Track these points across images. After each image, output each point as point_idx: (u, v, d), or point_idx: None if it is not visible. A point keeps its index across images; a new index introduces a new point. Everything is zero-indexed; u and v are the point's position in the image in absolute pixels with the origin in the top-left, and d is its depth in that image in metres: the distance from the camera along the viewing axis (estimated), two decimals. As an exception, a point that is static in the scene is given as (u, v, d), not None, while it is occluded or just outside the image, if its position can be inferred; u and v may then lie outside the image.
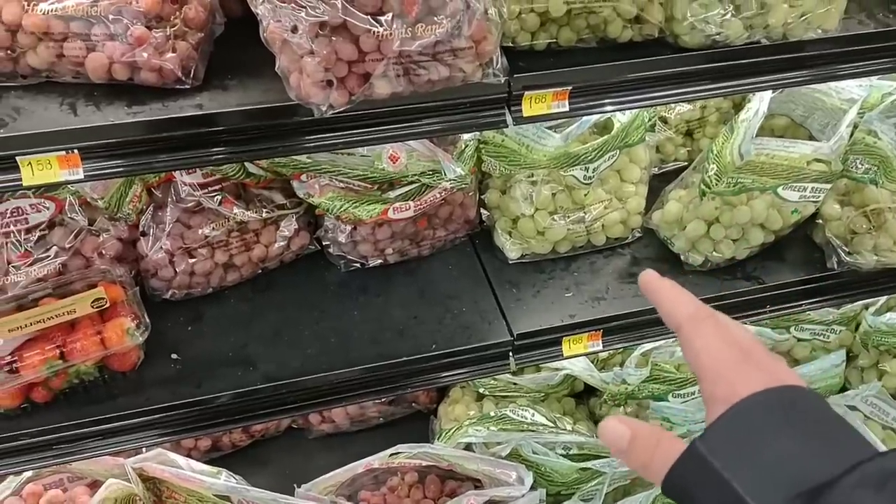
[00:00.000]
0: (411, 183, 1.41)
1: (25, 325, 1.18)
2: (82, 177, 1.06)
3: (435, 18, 1.03)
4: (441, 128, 1.19)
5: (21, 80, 1.10)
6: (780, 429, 0.52)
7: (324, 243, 1.51)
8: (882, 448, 0.57)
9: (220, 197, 1.36)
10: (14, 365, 1.16)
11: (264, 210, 1.42)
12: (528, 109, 1.21)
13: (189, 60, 1.10)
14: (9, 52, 1.08)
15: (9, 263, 1.27)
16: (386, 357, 1.36)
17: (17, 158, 1.03)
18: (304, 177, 1.38)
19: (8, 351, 1.16)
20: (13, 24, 1.05)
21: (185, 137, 1.08)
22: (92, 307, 1.23)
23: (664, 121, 1.74)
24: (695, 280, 1.53)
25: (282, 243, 1.47)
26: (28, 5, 1.04)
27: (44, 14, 1.04)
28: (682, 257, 1.54)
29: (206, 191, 1.35)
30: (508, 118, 1.21)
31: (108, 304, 1.24)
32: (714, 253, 1.51)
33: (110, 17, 1.05)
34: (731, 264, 1.55)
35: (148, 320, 1.27)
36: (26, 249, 1.27)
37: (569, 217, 1.50)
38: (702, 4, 1.18)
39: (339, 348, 1.37)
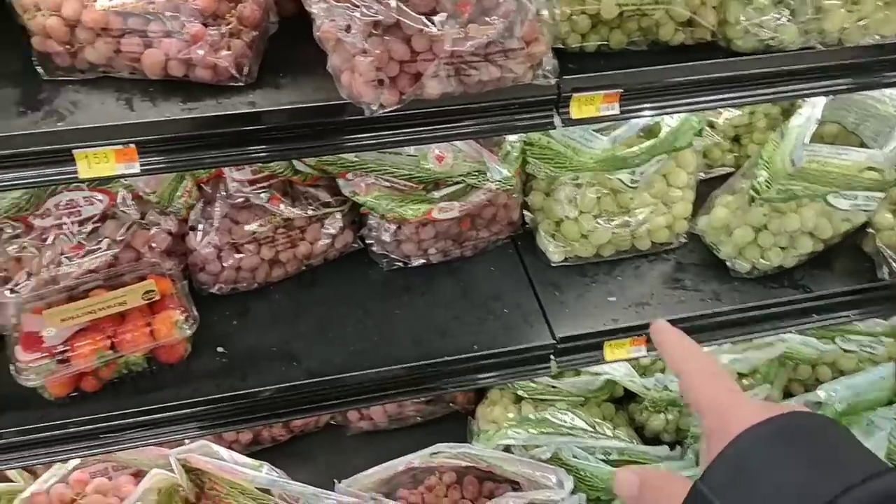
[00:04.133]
0: (456, 183, 1.41)
1: (78, 316, 1.21)
2: (138, 171, 1.08)
3: (487, 19, 1.04)
4: (489, 128, 1.19)
5: (79, 74, 1.13)
6: (779, 459, 0.53)
7: (367, 242, 1.52)
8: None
9: (267, 194, 1.38)
10: (66, 354, 1.18)
11: (310, 207, 1.43)
12: (576, 112, 1.21)
13: (243, 58, 1.12)
14: (67, 46, 1.10)
15: (61, 254, 1.29)
16: (428, 356, 1.36)
17: (74, 151, 1.05)
18: (349, 175, 1.39)
19: (60, 340, 1.19)
20: (72, 20, 1.07)
21: (237, 134, 1.10)
22: (142, 299, 1.25)
23: (711, 125, 1.72)
24: (741, 287, 1.51)
25: (326, 241, 1.48)
26: (87, 1, 1.06)
27: (103, 10, 1.06)
28: (728, 264, 1.52)
29: (254, 187, 1.37)
30: (557, 120, 1.20)
31: (158, 297, 1.26)
32: (761, 260, 1.48)
33: (167, 14, 1.07)
34: (779, 272, 1.52)
35: (196, 313, 1.29)
36: (79, 241, 1.30)
37: (613, 221, 1.49)
38: (756, 8, 1.17)
39: (381, 346, 1.38)
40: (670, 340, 0.67)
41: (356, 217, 1.53)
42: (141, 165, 1.08)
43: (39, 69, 1.12)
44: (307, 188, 1.45)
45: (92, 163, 1.06)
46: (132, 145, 1.07)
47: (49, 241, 1.28)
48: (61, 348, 1.18)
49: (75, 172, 1.05)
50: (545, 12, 1.07)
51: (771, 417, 0.55)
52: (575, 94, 1.19)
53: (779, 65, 1.21)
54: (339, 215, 1.47)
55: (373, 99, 1.06)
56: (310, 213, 1.43)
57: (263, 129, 1.10)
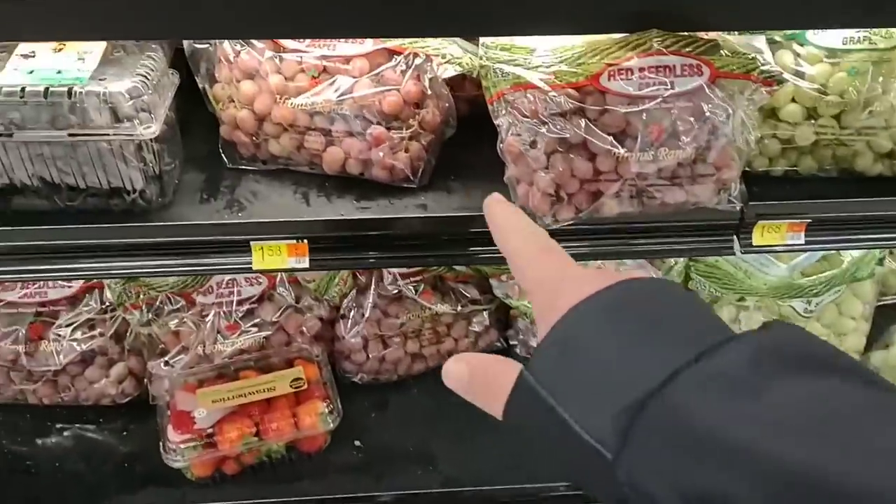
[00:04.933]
0: (613, 295, 1.36)
1: (229, 398, 1.22)
2: (307, 266, 1.08)
3: (679, 143, 0.99)
4: (663, 249, 1.14)
5: (260, 164, 1.15)
6: (607, 338, 0.46)
7: (511, 343, 1.48)
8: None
9: (419, 288, 1.36)
10: (214, 437, 1.18)
11: (459, 304, 1.41)
12: (758, 238, 1.14)
13: (418, 161, 1.11)
14: (253, 138, 1.13)
15: (217, 332, 1.31)
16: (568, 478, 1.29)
17: (252, 243, 1.07)
18: (504, 277, 1.36)
19: (210, 423, 1.19)
20: (262, 114, 1.10)
21: (408, 237, 1.09)
22: (290, 387, 1.24)
23: (890, 251, 1.60)
24: (919, 435, 1.37)
25: (470, 339, 1.45)
26: (280, 98, 1.08)
27: (292, 107, 1.08)
28: (905, 407, 1.38)
29: (406, 281, 1.36)
30: (736, 247, 1.14)
31: (305, 386, 1.25)
32: (946, 409, 1.34)
33: (353, 115, 1.08)
34: (964, 423, 1.37)
35: (340, 407, 1.27)
36: (235, 321, 1.31)
37: (778, 348, 1.39)
38: (970, 145, 1.07)
39: (521, 459, 1.31)
40: (500, 214, 0.58)
41: (502, 316, 1.49)
42: (311, 260, 1.08)
43: (224, 157, 1.15)
44: (457, 284, 1.43)
45: (266, 255, 1.07)
46: (305, 241, 1.07)
47: (208, 318, 1.31)
48: (210, 431, 1.19)
49: (249, 263, 1.07)
50: (740, 138, 1.02)
51: (601, 289, 0.47)
52: (759, 221, 1.12)
53: None
54: (485, 314, 1.44)
55: (548, 213, 1.03)
56: (458, 309, 1.41)
57: (432, 234, 1.09)
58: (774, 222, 1.13)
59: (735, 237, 1.14)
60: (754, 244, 1.14)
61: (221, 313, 1.31)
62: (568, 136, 0.98)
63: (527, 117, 1.00)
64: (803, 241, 1.14)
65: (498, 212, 0.59)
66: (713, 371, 0.42)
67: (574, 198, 1.03)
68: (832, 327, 1.40)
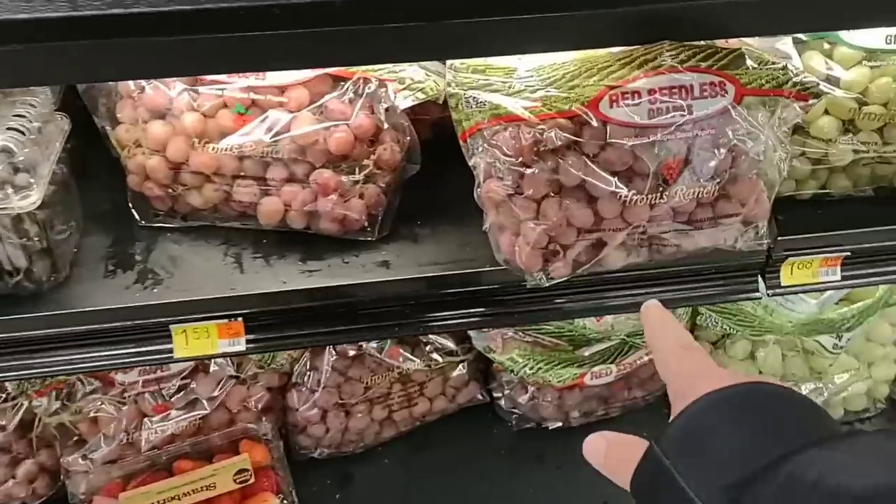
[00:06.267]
0: (611, 340, 1.17)
1: (159, 502, 1.00)
2: (243, 349, 0.87)
3: (698, 178, 0.80)
4: (676, 298, 0.95)
5: (180, 220, 0.93)
6: (730, 424, 0.52)
7: (494, 395, 1.28)
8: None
9: (385, 345, 1.15)
10: (144, 556, 0.97)
11: (432, 358, 1.20)
12: (787, 277, 0.96)
13: (376, 207, 0.91)
14: (169, 190, 0.91)
15: (143, 416, 1.09)
16: (572, 556, 1.11)
17: (171, 327, 0.85)
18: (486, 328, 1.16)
19: (140, 538, 0.98)
20: (178, 161, 0.88)
21: (369, 305, 0.88)
22: (234, 482, 1.03)
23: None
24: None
25: (448, 396, 1.25)
26: (199, 142, 0.86)
27: (215, 152, 0.86)
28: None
29: (370, 338, 1.15)
30: (762, 288, 0.96)
31: (251, 479, 1.04)
32: None
33: (291, 158, 0.87)
34: None
35: (296, 499, 1.07)
36: (164, 400, 1.09)
37: (801, 387, 1.22)
38: None
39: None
40: (654, 317, 0.67)
41: (482, 365, 1.29)
42: (248, 343, 0.87)
43: (134, 212, 0.93)
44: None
45: (190, 339, 0.86)
46: (239, 319, 0.86)
47: (130, 399, 1.09)
48: (140, 549, 0.97)
49: (170, 352, 0.85)
50: (770, 166, 0.83)
51: (733, 384, 0.54)
52: (788, 258, 0.94)
53: None
54: (463, 366, 1.24)
55: (539, 269, 0.84)
56: (432, 364, 1.20)
57: (399, 300, 0.89)
58: (806, 258, 0.95)
59: (760, 278, 0.96)
60: (783, 284, 0.96)
61: (147, 393, 1.09)
62: (561, 177, 0.79)
63: (509, 156, 0.79)
64: (839, 277, 0.97)
65: (653, 315, 0.66)
66: (824, 455, 0.48)
67: (571, 250, 0.83)
68: (860, 356, 1.23)
